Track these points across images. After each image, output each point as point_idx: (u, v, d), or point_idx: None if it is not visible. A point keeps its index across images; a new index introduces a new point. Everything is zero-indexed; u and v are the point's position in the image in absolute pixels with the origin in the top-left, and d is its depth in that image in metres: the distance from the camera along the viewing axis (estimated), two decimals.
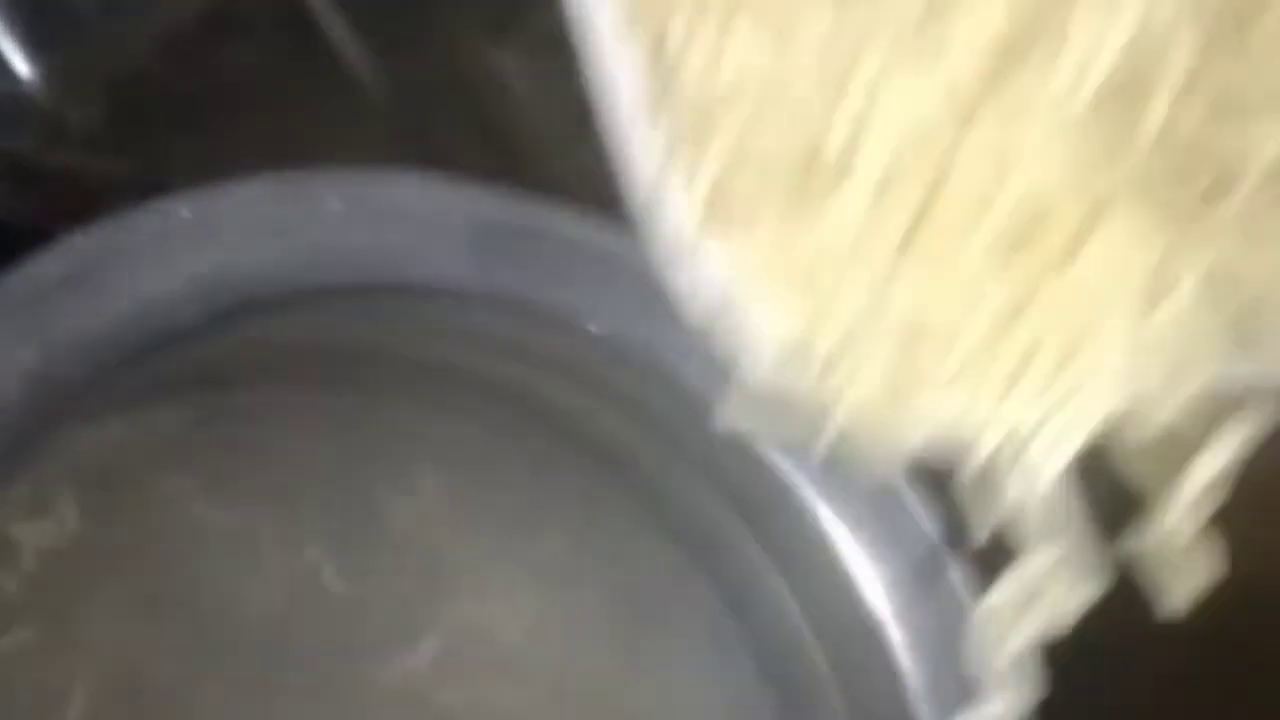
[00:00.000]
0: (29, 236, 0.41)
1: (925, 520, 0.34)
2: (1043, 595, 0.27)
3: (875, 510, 0.34)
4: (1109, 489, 0.26)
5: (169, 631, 0.33)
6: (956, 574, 0.34)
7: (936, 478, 0.49)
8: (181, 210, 0.30)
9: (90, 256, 0.29)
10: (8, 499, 0.30)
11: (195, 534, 0.34)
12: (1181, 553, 0.26)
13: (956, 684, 0.33)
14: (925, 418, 0.26)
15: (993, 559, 0.47)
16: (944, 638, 0.34)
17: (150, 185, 0.42)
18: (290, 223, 0.31)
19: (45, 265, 0.29)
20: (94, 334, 0.29)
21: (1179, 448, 0.26)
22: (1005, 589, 0.27)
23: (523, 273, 0.33)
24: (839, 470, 0.34)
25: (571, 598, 0.37)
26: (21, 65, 0.41)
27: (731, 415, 0.27)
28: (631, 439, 0.36)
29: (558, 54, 0.48)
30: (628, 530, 0.38)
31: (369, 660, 0.35)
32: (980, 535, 0.27)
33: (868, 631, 0.34)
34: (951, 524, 0.34)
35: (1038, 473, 0.26)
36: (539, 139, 0.48)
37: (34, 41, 0.42)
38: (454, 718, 0.35)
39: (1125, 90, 0.24)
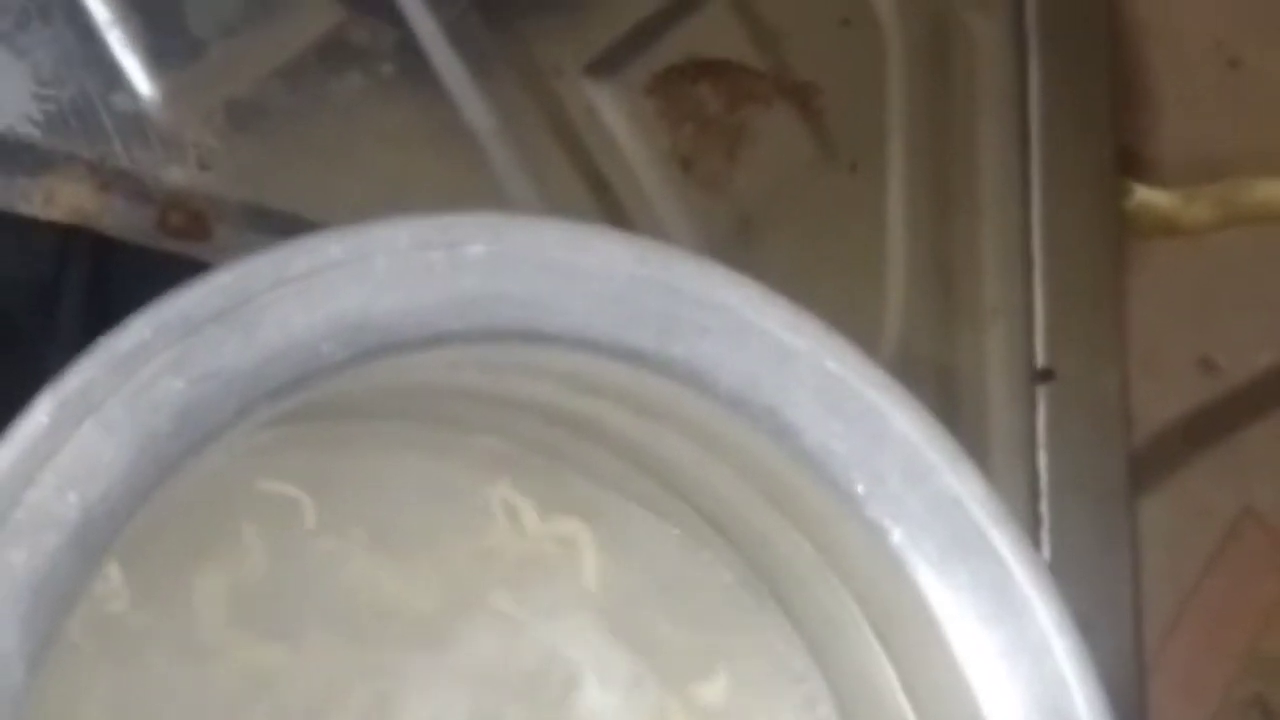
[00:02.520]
0: (139, 253, 0.41)
1: (1039, 602, 0.34)
2: None
3: (984, 584, 0.34)
4: None
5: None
6: (1066, 653, 0.34)
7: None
8: (331, 248, 0.30)
9: (245, 291, 0.29)
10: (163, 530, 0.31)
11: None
12: None
13: None
14: None
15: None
16: (1046, 714, 0.34)
17: (261, 208, 0.43)
18: (431, 266, 0.31)
19: (200, 297, 0.29)
20: (241, 368, 0.29)
21: None
22: None
23: (652, 329, 0.33)
24: (951, 544, 0.34)
25: (664, 645, 0.37)
26: (142, 84, 0.42)
27: None
28: (739, 497, 0.36)
29: (653, 97, 0.49)
30: (726, 587, 0.38)
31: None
32: None
33: (968, 707, 0.34)
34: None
35: None
36: (636, 179, 0.48)
37: (155, 62, 0.42)
38: None
39: None
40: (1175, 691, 0.58)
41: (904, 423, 0.34)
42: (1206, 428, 0.61)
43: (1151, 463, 0.60)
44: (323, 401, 0.33)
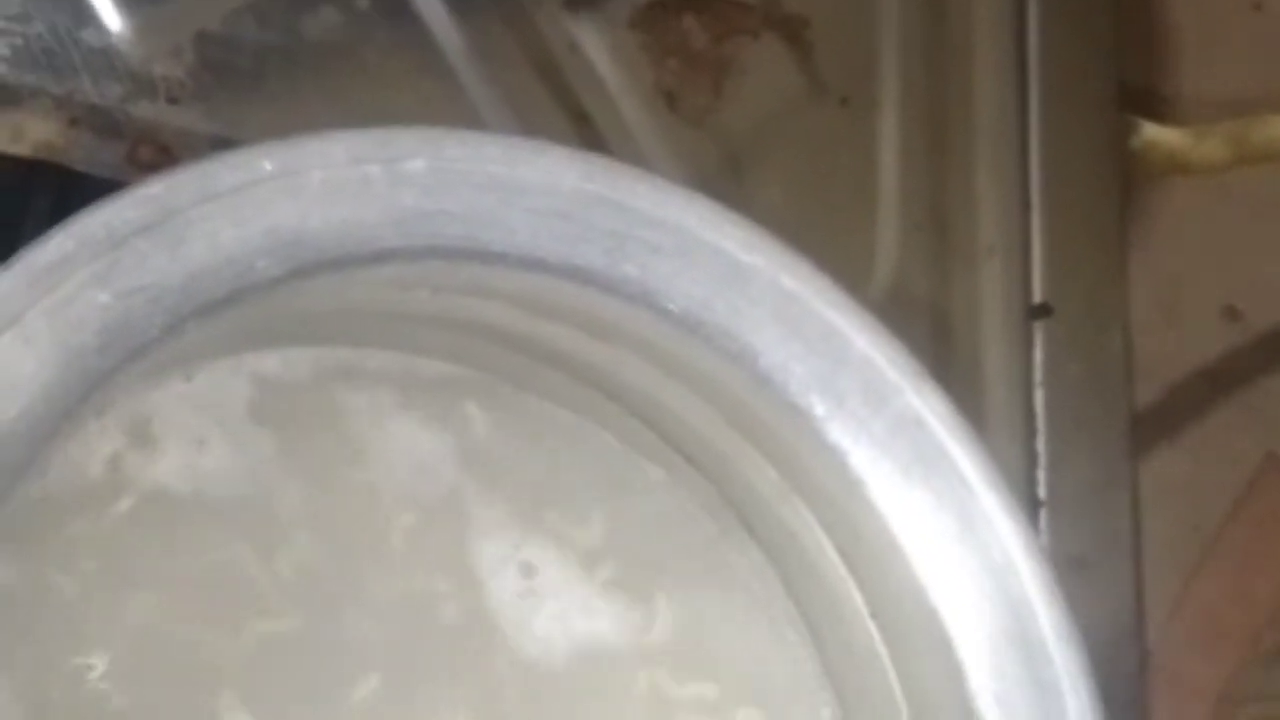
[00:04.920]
0: (109, 188, 0.41)
1: (1004, 525, 0.33)
2: None
3: (947, 505, 0.34)
4: None
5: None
6: (1031, 574, 0.33)
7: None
8: (264, 162, 0.29)
9: (171, 204, 0.29)
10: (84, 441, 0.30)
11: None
12: None
13: (1023, 681, 0.33)
14: None
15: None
16: (1010, 634, 0.33)
17: (230, 143, 0.42)
18: (369, 181, 0.30)
19: (124, 210, 0.28)
20: (169, 283, 0.28)
21: None
22: None
23: (602, 247, 0.32)
24: (914, 465, 0.34)
25: (628, 572, 0.37)
26: (111, 18, 0.41)
27: None
28: (703, 422, 0.36)
29: (636, 30, 0.48)
30: (691, 513, 0.37)
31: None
32: None
33: (934, 630, 0.34)
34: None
35: None
36: (620, 114, 0.48)
37: None
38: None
39: None
40: (1199, 642, 0.58)
41: (865, 343, 0.34)
42: (1230, 375, 0.60)
43: (1174, 411, 0.59)
44: (273, 325, 0.32)
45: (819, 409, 0.34)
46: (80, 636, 0.32)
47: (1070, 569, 0.48)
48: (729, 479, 0.37)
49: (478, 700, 0.35)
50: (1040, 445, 0.50)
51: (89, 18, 0.41)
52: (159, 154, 0.41)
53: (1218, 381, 0.60)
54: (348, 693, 0.34)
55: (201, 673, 0.32)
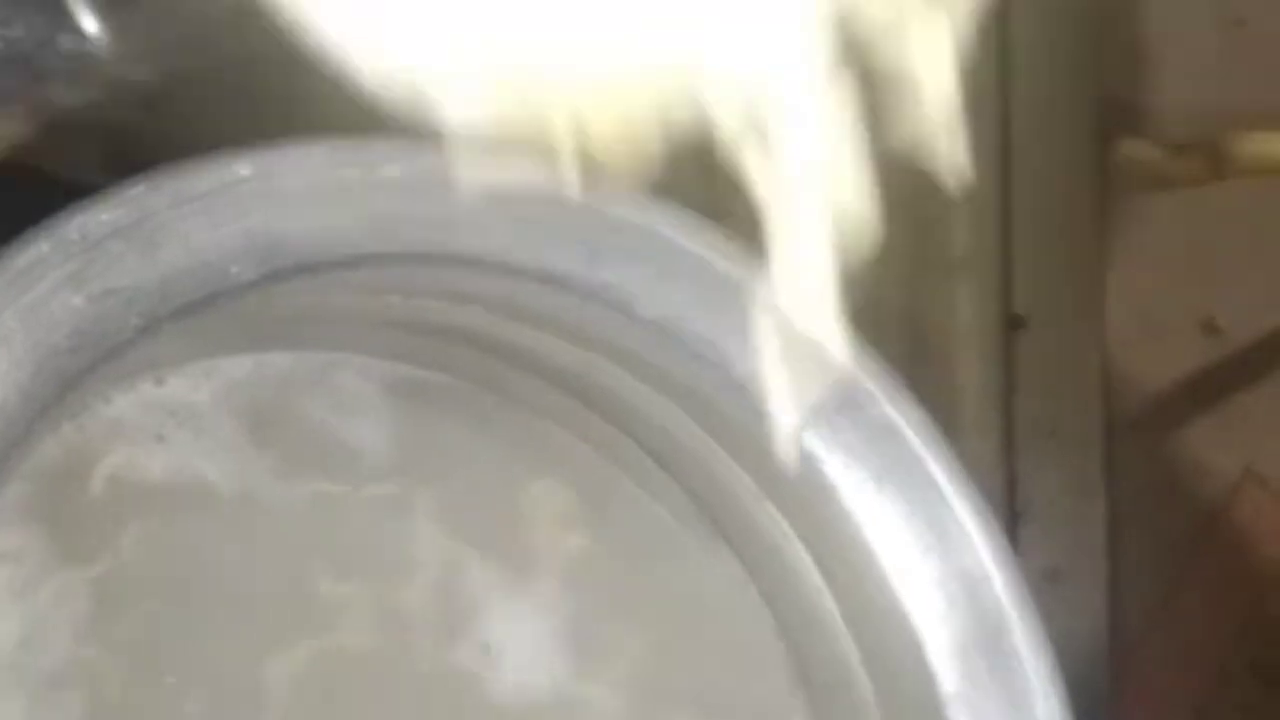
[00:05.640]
0: (87, 192, 0.41)
1: (975, 532, 0.33)
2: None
3: (920, 512, 0.34)
4: None
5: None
6: (1002, 581, 0.34)
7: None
8: (240, 168, 0.29)
9: (145, 207, 0.29)
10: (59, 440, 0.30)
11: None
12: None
13: (994, 689, 0.33)
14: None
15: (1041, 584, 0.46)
16: (981, 641, 0.34)
17: (206, 148, 0.42)
18: (346, 187, 0.31)
19: (100, 213, 0.28)
20: (143, 285, 0.29)
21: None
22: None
23: (579, 253, 0.32)
24: (887, 473, 0.34)
25: (606, 576, 0.37)
26: (89, 23, 0.41)
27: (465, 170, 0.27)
28: (680, 429, 0.36)
29: None
30: (669, 527, 0.37)
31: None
32: None
33: (907, 636, 0.34)
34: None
35: None
36: None
37: (102, 1, 0.42)
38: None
39: None
40: (1174, 655, 0.58)
41: (840, 352, 0.34)
42: (1208, 390, 0.61)
43: (1152, 424, 0.59)
44: (246, 329, 0.33)
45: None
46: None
47: (1045, 580, 0.48)
48: (707, 488, 0.37)
49: None
50: (1016, 455, 0.50)
51: (67, 22, 0.41)
52: (137, 158, 0.41)
53: (1196, 395, 0.61)
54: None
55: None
